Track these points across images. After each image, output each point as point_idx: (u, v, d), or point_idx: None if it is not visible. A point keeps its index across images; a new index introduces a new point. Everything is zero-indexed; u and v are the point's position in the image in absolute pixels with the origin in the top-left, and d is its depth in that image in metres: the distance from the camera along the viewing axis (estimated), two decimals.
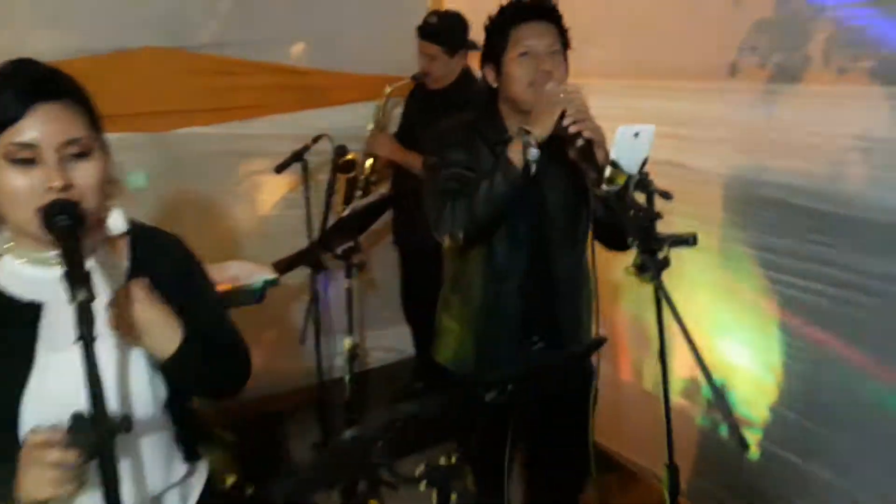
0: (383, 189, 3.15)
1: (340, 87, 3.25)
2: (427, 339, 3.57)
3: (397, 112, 3.34)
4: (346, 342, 2.59)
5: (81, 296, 0.96)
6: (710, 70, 2.24)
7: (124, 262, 1.26)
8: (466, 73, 3.12)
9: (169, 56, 2.85)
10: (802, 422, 2.10)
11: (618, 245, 1.70)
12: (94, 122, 1.15)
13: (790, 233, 2.08)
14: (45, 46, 2.62)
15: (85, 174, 1.11)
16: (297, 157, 2.78)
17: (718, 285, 2.27)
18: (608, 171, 1.46)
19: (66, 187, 1.07)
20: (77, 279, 0.98)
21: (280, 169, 2.79)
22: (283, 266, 2.37)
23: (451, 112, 3.07)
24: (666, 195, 1.48)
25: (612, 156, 1.44)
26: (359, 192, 3.05)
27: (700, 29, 2.26)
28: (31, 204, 1.07)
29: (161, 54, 2.83)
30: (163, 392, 1.21)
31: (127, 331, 1.12)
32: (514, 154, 1.63)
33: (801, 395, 2.11)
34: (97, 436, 0.94)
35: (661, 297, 1.44)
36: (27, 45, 2.61)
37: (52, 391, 1.11)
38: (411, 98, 3.26)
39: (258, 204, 3.26)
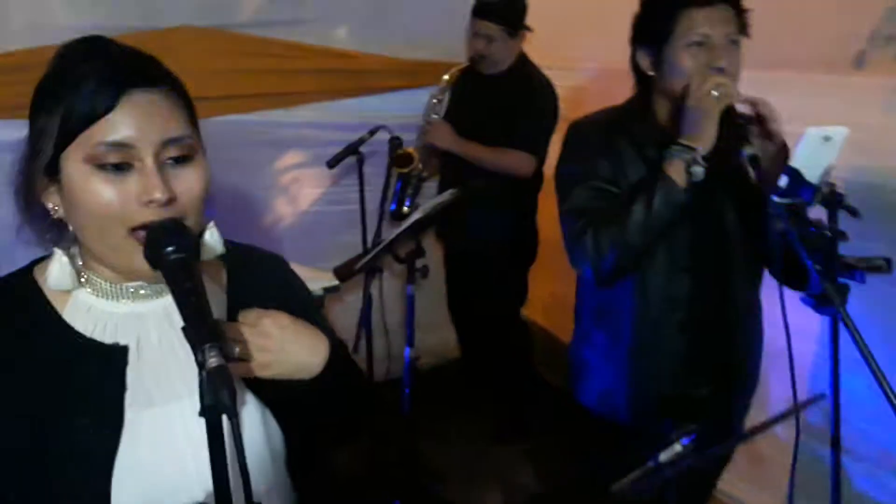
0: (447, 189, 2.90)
1: (390, 73, 2.99)
2: (473, 341, 3.42)
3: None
4: (410, 353, 2.36)
5: (215, 358, 0.71)
6: (831, 61, 2.00)
7: (222, 294, 1.02)
8: (524, 57, 2.89)
9: (207, 36, 2.58)
10: None
11: (793, 276, 1.40)
12: (194, 117, 0.92)
13: None
14: (66, 22, 2.39)
15: (188, 184, 0.87)
16: (352, 150, 2.53)
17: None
18: (784, 180, 1.24)
19: (171, 201, 0.84)
20: (206, 334, 0.73)
21: (333, 163, 2.55)
22: (345, 272, 2.14)
23: (508, 100, 2.90)
24: (854, 212, 1.26)
25: (793, 162, 1.22)
26: (409, 190, 2.82)
27: (817, 14, 2.02)
28: (123, 223, 0.83)
29: (199, 34, 2.56)
30: (279, 447, 0.98)
31: (254, 370, 0.90)
32: (675, 172, 1.37)
33: None
34: None
35: (842, 330, 1.24)
36: (47, 21, 2.37)
37: (146, 460, 0.88)
38: (460, 84, 3.00)
39: (299, 199, 3.00)
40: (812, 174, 1.22)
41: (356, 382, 1.08)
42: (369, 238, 2.69)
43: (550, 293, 3.39)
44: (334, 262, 2.45)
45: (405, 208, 2.83)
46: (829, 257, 1.21)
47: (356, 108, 2.93)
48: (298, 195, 2.99)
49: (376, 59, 2.95)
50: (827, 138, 1.20)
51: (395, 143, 2.62)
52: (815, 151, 1.21)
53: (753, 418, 2.33)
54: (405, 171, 2.78)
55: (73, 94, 0.82)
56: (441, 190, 2.87)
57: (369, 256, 2.08)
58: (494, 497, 2.75)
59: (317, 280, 2.14)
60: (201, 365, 0.71)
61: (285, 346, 0.91)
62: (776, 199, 1.24)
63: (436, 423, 3.04)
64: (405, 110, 3.01)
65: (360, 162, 2.57)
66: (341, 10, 2.90)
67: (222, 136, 2.76)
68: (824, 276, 1.19)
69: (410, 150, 2.78)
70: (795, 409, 1.10)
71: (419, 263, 2.28)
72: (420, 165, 2.86)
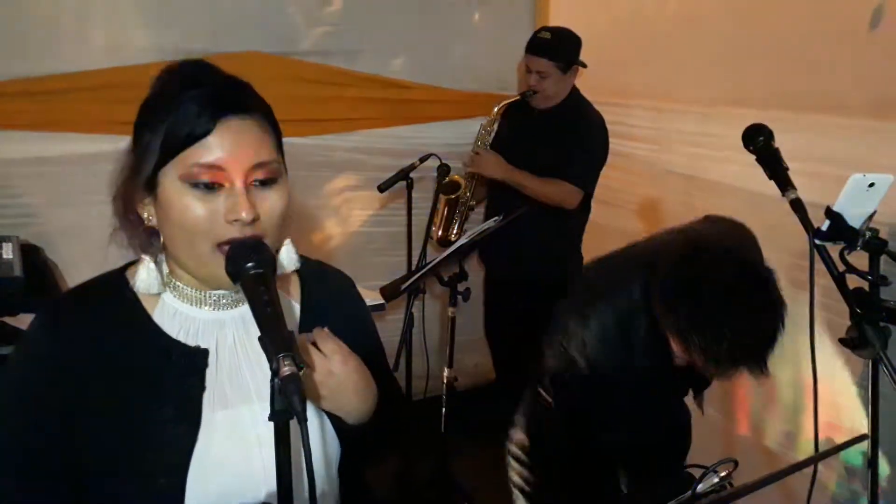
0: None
1: (441, 103, 3.11)
2: (507, 366, 3.45)
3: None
4: (448, 373, 2.42)
5: (289, 367, 0.76)
6: (879, 107, 2.03)
7: (296, 306, 1.10)
8: (576, 92, 2.95)
9: (273, 62, 2.73)
10: None
11: None
12: (280, 141, 1.00)
13: None
14: (143, 44, 2.54)
15: (271, 205, 0.95)
16: (404, 175, 2.63)
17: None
18: (826, 224, 1.28)
19: (254, 220, 0.92)
20: (281, 344, 0.79)
21: (384, 187, 2.65)
22: (391, 291, 2.22)
23: (559, 135, 2.94)
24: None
25: (835, 207, 1.26)
26: (456, 218, 2.91)
27: (866, 60, 2.06)
28: (209, 238, 0.92)
29: (265, 60, 2.71)
30: (334, 453, 1.04)
31: (312, 394, 0.95)
32: None
33: None
34: None
35: (881, 373, 1.27)
36: (125, 42, 2.53)
37: (220, 457, 0.95)
38: (511, 117, 3.07)
39: (349, 220, 3.12)
40: (853, 219, 1.26)
41: (397, 426, 1.12)
42: (414, 260, 2.77)
43: None
44: (378, 281, 2.53)
45: (452, 235, 2.90)
46: (871, 301, 1.24)
47: (407, 136, 3.05)
48: (348, 216, 3.11)
49: (429, 90, 3.07)
50: (871, 185, 1.24)
51: (444, 170, 2.70)
52: (858, 197, 1.24)
53: (791, 458, 2.34)
54: (451, 197, 2.86)
55: (175, 116, 0.90)
56: (487, 216, 2.94)
57: (415, 277, 2.16)
58: None
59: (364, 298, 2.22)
60: (275, 372, 0.76)
61: (341, 388, 0.95)
62: (817, 241, 1.28)
63: (468, 444, 3.07)
64: (455, 139, 3.12)
65: (410, 187, 2.67)
66: (397, 42, 3.04)
67: None
68: (865, 319, 1.23)
69: (457, 177, 2.86)
70: (813, 457, 1.12)
71: (461, 287, 2.36)
72: (468, 193, 2.93)
